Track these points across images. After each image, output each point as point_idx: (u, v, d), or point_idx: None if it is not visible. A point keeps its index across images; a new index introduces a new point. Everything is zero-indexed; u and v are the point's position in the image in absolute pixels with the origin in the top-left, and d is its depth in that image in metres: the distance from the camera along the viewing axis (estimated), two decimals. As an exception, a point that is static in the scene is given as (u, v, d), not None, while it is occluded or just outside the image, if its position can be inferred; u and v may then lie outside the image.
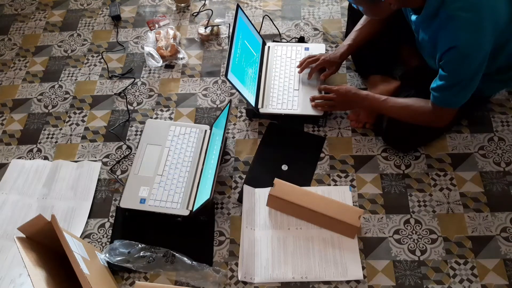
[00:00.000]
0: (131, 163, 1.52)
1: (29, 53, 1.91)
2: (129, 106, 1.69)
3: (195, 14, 1.96)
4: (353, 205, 1.41)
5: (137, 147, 1.52)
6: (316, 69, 1.59)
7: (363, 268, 1.30)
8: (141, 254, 1.32)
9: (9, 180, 1.53)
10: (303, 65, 1.61)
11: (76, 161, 1.57)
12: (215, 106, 1.67)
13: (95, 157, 1.58)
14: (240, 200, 1.43)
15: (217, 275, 1.29)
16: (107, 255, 1.31)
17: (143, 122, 1.64)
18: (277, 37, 1.84)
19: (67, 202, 1.47)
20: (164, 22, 1.94)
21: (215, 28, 1.87)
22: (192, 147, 1.50)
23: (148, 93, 1.73)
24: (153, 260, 1.32)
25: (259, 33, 1.71)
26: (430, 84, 1.28)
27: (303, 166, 1.50)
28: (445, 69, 1.22)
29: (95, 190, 1.50)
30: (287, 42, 1.81)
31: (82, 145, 1.61)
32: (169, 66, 1.80)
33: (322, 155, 1.52)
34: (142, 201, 1.39)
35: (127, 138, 1.62)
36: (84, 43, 1.92)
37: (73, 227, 1.42)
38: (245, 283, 1.30)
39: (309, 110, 1.54)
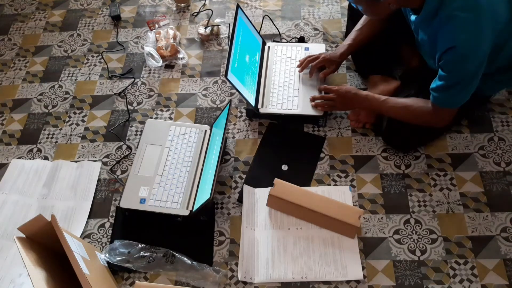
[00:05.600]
0: (131, 163, 1.52)
1: (29, 53, 1.91)
2: (129, 106, 1.69)
3: (195, 14, 1.96)
4: (353, 205, 1.41)
5: (137, 147, 1.52)
6: (316, 67, 1.59)
7: (363, 268, 1.30)
8: (141, 254, 1.32)
9: (9, 180, 1.54)
10: (303, 64, 1.61)
11: (76, 161, 1.57)
12: (215, 106, 1.67)
13: (95, 157, 1.58)
14: (240, 200, 1.43)
15: (217, 275, 1.29)
16: (107, 255, 1.31)
17: (143, 122, 1.64)
18: (277, 37, 1.84)
19: (67, 202, 1.47)
20: (164, 22, 1.94)
21: (215, 28, 1.87)
22: (192, 147, 1.50)
23: (148, 93, 1.73)
24: (153, 260, 1.32)
25: (259, 33, 1.71)
26: (430, 84, 1.28)
27: (303, 166, 1.50)
28: (444, 69, 1.21)
29: (95, 190, 1.50)
30: (287, 42, 1.81)
31: (82, 145, 1.61)
32: (169, 66, 1.80)
33: (322, 155, 1.52)
34: (142, 201, 1.39)
35: (127, 138, 1.62)
36: (84, 43, 1.92)
37: (73, 227, 1.42)
38: (245, 283, 1.30)
39: (309, 110, 1.54)
